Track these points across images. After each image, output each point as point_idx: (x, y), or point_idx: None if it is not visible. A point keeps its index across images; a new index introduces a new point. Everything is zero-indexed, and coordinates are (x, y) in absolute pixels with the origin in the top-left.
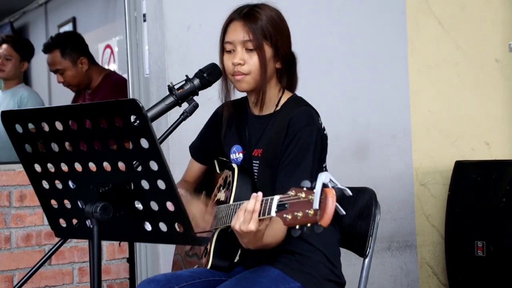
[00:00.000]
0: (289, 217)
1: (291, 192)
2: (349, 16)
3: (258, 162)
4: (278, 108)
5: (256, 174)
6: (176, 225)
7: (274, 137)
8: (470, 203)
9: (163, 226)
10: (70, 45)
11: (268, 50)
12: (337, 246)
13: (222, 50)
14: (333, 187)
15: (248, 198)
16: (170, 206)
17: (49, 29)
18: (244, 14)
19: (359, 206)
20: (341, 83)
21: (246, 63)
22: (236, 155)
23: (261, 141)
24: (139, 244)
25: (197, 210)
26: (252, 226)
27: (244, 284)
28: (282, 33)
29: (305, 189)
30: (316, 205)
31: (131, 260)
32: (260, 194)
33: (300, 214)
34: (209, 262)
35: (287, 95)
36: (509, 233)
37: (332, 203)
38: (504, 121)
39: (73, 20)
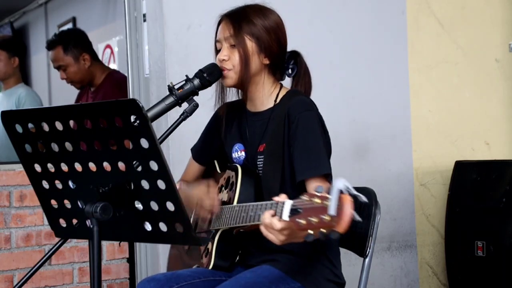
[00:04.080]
0: (303, 222)
1: (305, 197)
2: (349, 16)
3: (262, 156)
4: (278, 102)
5: (261, 168)
6: (176, 225)
7: (275, 129)
8: (470, 203)
9: (163, 226)
10: (72, 42)
11: (250, 45)
12: (337, 246)
13: (216, 50)
14: (348, 193)
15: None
16: (170, 206)
17: (49, 29)
18: (230, 12)
19: (359, 206)
20: (341, 83)
21: (230, 59)
22: (238, 153)
23: (266, 136)
24: (139, 244)
25: (200, 190)
26: (279, 226)
27: (244, 283)
28: (267, 28)
29: (318, 194)
30: (332, 211)
31: (131, 260)
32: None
33: (315, 219)
34: (211, 262)
35: (285, 90)
36: (509, 233)
37: (349, 210)
38: (504, 121)
39: (73, 20)
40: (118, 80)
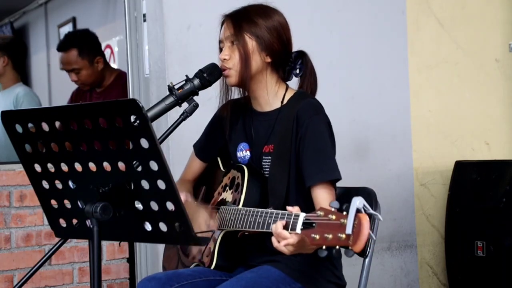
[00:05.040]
0: (317, 237)
1: (320, 212)
2: (349, 16)
3: (270, 157)
4: (285, 103)
5: (267, 169)
6: (176, 225)
7: (284, 131)
8: (470, 203)
9: (163, 226)
10: (87, 45)
11: (251, 43)
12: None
13: (220, 51)
14: (365, 212)
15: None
16: (170, 206)
17: (49, 29)
18: (232, 13)
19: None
20: (341, 83)
21: (231, 58)
22: (244, 153)
23: (272, 136)
24: (139, 244)
25: (203, 219)
26: (291, 240)
27: (244, 284)
28: (268, 27)
29: (333, 209)
30: (349, 230)
31: (131, 260)
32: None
33: (330, 236)
34: (213, 262)
35: (292, 91)
36: (509, 233)
37: (366, 230)
38: (504, 121)
39: (73, 20)
40: (126, 82)
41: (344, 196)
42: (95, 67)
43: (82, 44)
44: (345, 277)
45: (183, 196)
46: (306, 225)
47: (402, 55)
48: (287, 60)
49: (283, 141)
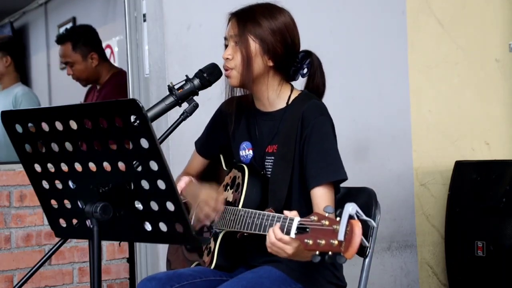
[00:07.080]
0: (310, 242)
1: (314, 217)
2: (349, 16)
3: (272, 157)
4: (290, 103)
5: (270, 170)
6: (176, 225)
7: (288, 131)
8: (470, 203)
9: (163, 226)
10: (82, 39)
11: (254, 46)
12: None
13: (225, 48)
14: (358, 218)
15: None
16: (170, 206)
17: (49, 29)
18: (238, 11)
19: (359, 206)
20: (341, 83)
21: (233, 58)
22: (246, 152)
23: (276, 137)
24: (139, 244)
25: (208, 194)
26: (289, 250)
27: (245, 284)
28: (273, 30)
29: (327, 215)
30: (341, 236)
31: (131, 260)
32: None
33: (322, 242)
34: (213, 262)
35: (297, 91)
36: (509, 233)
37: (358, 237)
38: (504, 121)
39: (73, 20)
40: (121, 81)
41: (344, 197)
42: (89, 62)
43: (77, 38)
44: (345, 277)
45: (186, 179)
46: (300, 229)
47: (402, 55)
48: (292, 61)
49: (287, 141)
